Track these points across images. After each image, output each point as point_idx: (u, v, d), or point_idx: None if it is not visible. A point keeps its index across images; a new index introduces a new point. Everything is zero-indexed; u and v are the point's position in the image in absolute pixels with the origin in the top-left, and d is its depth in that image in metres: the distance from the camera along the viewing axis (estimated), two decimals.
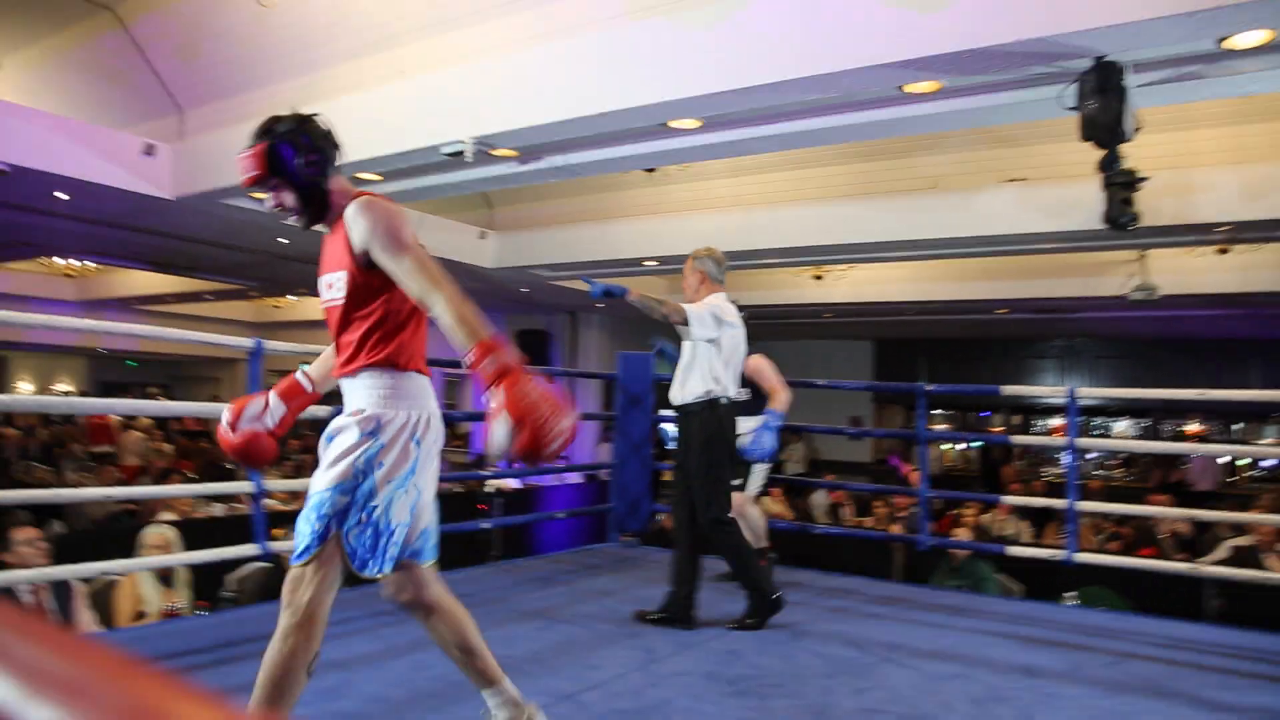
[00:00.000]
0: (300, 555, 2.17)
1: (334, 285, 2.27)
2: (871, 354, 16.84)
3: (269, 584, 4.72)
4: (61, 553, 4.36)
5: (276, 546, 4.23)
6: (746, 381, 4.83)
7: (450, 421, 17.47)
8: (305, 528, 2.18)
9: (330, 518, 2.17)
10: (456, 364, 8.48)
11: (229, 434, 2.42)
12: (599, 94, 5.38)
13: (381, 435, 2.21)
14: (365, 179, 7.15)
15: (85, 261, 15.25)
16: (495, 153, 6.23)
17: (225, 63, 7.61)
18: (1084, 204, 7.25)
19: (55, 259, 15.16)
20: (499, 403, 1.89)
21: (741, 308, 4.94)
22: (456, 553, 6.21)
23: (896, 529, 7.79)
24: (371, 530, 2.20)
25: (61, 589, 4.03)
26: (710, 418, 4.07)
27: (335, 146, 2.31)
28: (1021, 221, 7.84)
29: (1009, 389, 5.62)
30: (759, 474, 4.91)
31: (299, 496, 7.30)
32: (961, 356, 16.12)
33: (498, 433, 1.88)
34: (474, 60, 6.10)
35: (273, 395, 2.49)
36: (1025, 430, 16.33)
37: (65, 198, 8.08)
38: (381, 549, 2.22)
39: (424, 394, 2.32)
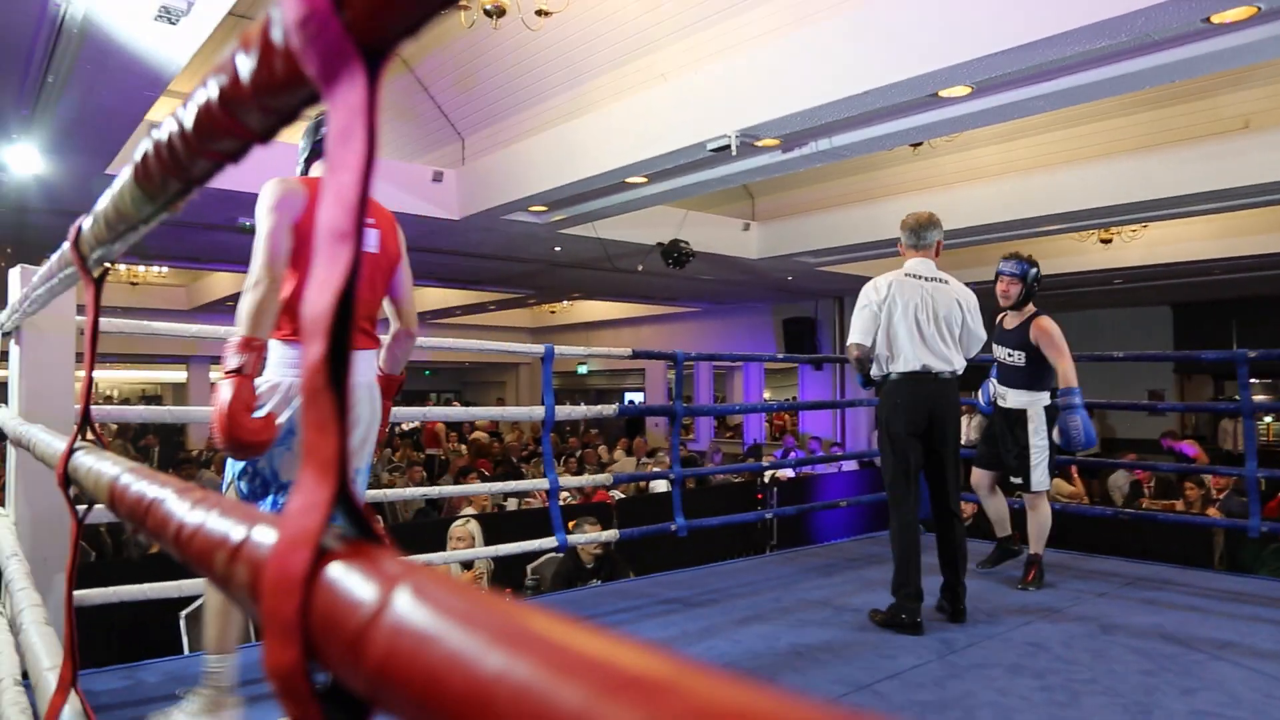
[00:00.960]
0: None
1: None
2: (1170, 320, 15.26)
3: (563, 572, 5.02)
4: None
5: (573, 539, 4.50)
6: (1027, 345, 4.49)
7: (721, 415, 17.80)
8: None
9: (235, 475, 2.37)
10: (725, 358, 8.53)
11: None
12: (862, 71, 5.23)
13: (268, 399, 2.33)
14: (632, 183, 7.41)
15: None
16: (759, 143, 6.25)
17: (498, 88, 8.15)
18: None
19: None
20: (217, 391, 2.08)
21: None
22: (737, 542, 6.32)
23: (1213, 513, 7.02)
24: (259, 479, 2.32)
25: None
26: (882, 395, 3.90)
27: (311, 139, 2.56)
28: None
29: None
30: (1041, 466, 4.44)
31: (582, 492, 7.70)
32: None
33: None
34: (732, 54, 6.15)
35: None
36: None
37: None
38: (271, 502, 2.33)
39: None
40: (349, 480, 0.38)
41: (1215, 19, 4.41)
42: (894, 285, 3.84)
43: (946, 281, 3.90)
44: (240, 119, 0.50)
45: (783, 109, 5.67)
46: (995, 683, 3.03)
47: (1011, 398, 4.52)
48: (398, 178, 8.27)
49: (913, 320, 3.78)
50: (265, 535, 0.43)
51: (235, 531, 0.46)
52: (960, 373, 3.90)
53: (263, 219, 2.28)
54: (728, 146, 5.98)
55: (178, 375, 21.10)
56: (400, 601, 0.31)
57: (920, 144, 7.96)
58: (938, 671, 3.16)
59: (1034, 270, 4.53)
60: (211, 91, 0.50)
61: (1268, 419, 15.84)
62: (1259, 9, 4.33)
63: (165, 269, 15.14)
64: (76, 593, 2.86)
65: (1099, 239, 10.60)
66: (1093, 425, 4.27)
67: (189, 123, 0.54)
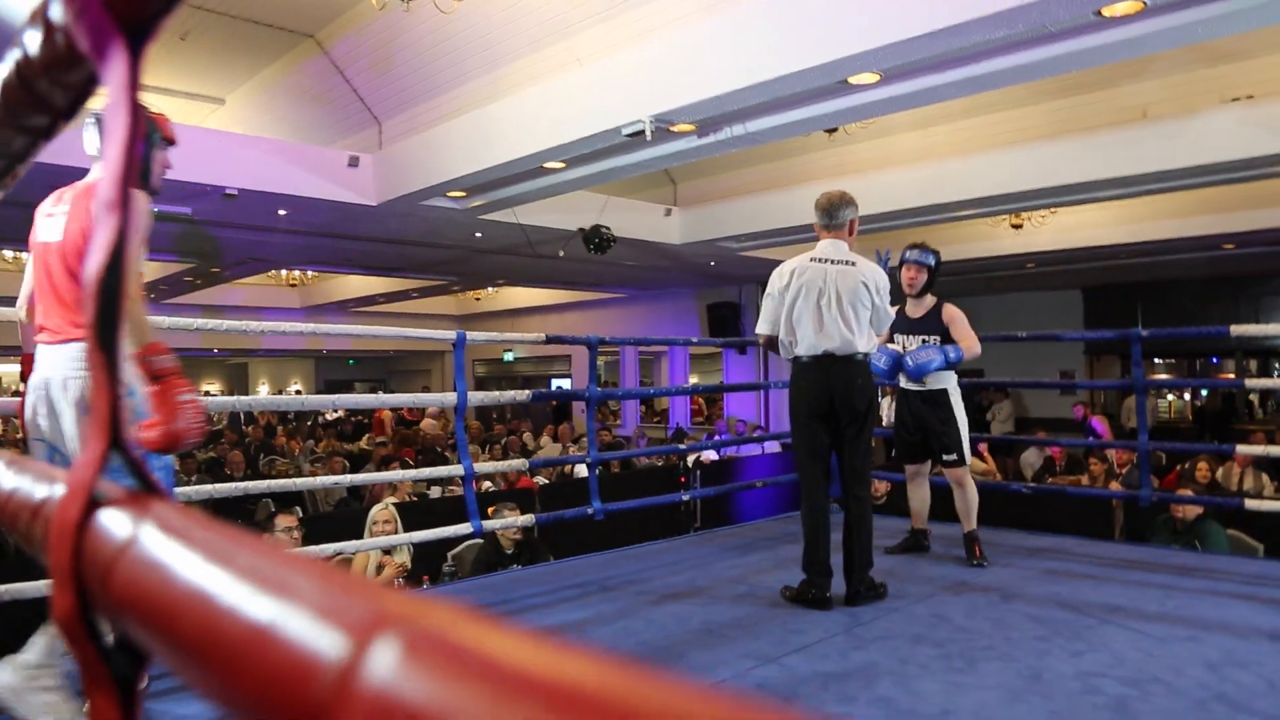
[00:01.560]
0: None
1: None
2: (1081, 303, 15.81)
3: (482, 558, 5.02)
4: (306, 535, 4.82)
5: (489, 524, 4.51)
6: (940, 328, 4.62)
7: (640, 399, 17.91)
8: None
9: None
10: (640, 342, 8.50)
11: None
12: (773, 58, 5.31)
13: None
14: (551, 168, 7.39)
15: (306, 270, 16.60)
16: (674, 128, 6.29)
17: (414, 72, 8.06)
18: None
19: (281, 270, 16.61)
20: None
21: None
22: (660, 525, 6.38)
23: (1115, 487, 7.32)
24: None
25: None
26: (790, 378, 4.02)
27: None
28: (1248, 144, 7.11)
29: (1240, 329, 5.06)
30: (967, 440, 4.61)
31: (505, 478, 7.70)
32: (1184, 300, 14.82)
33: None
34: (647, 39, 6.17)
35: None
36: (1265, 376, 14.91)
37: (285, 213, 8.82)
38: None
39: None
40: (124, 435, 0.40)
41: (1106, 12, 4.58)
42: (796, 271, 3.88)
43: (854, 264, 3.86)
44: (39, 95, 0.51)
45: (697, 94, 5.72)
46: (897, 653, 3.14)
47: (930, 380, 4.58)
48: (313, 163, 8.12)
49: (814, 305, 3.81)
50: (60, 493, 0.45)
51: (38, 491, 0.48)
52: (868, 354, 3.91)
53: None
54: (642, 132, 6.01)
55: None
56: (144, 536, 0.33)
57: (835, 130, 8.10)
58: (843, 644, 3.26)
59: (938, 258, 4.68)
60: (8, 67, 0.51)
61: (1170, 397, 16.53)
62: (1144, 4, 4.51)
63: None
64: None
65: (1010, 224, 10.92)
66: (930, 368, 4.42)
67: None
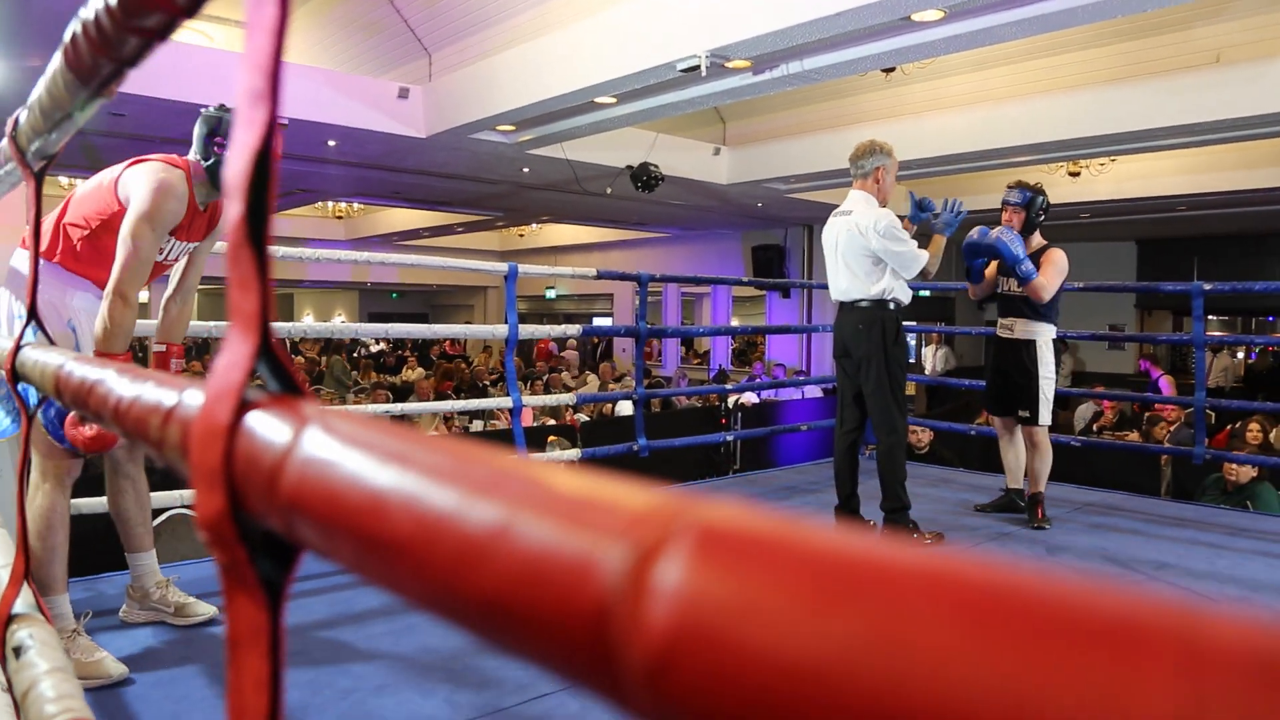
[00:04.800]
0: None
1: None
2: (1135, 256, 15.43)
3: None
4: None
5: (539, 457, 4.55)
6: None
7: (686, 336, 17.92)
8: None
9: None
10: (689, 280, 8.48)
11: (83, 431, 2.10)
12: None
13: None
14: (601, 103, 7.29)
15: (353, 203, 16.66)
16: (729, 64, 6.16)
17: (464, 3, 7.95)
18: None
19: (327, 203, 16.69)
20: None
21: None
22: (700, 466, 6.41)
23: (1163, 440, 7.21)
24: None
25: None
26: None
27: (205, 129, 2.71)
28: None
29: None
30: (1049, 400, 4.35)
31: (551, 412, 7.76)
32: (1243, 255, 14.38)
33: None
34: None
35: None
36: None
37: (334, 144, 8.82)
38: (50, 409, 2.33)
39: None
40: (271, 335, 0.39)
41: None
42: (836, 216, 4.09)
43: (850, 212, 3.98)
44: None
45: (755, 29, 5.58)
46: None
47: (1019, 328, 4.39)
48: (363, 93, 8.08)
49: (827, 256, 4.09)
50: (194, 398, 0.45)
51: (167, 398, 0.48)
52: (882, 298, 3.92)
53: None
54: (697, 67, 5.89)
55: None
56: (308, 438, 0.33)
57: (893, 70, 7.89)
58: None
59: (1040, 199, 4.39)
60: None
61: (1220, 353, 16.17)
62: None
63: None
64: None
65: (1067, 172, 10.64)
66: (1000, 245, 4.22)
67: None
